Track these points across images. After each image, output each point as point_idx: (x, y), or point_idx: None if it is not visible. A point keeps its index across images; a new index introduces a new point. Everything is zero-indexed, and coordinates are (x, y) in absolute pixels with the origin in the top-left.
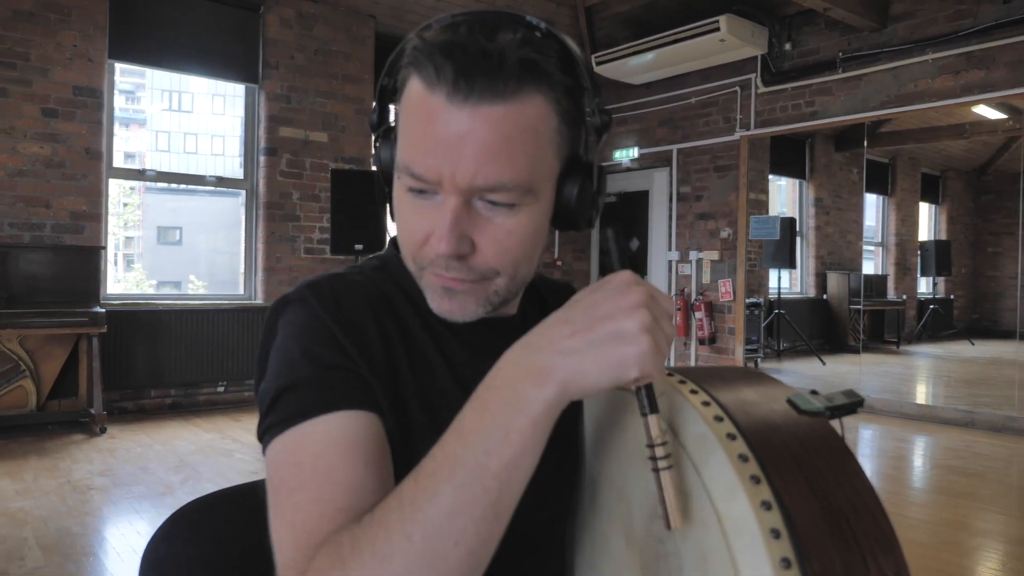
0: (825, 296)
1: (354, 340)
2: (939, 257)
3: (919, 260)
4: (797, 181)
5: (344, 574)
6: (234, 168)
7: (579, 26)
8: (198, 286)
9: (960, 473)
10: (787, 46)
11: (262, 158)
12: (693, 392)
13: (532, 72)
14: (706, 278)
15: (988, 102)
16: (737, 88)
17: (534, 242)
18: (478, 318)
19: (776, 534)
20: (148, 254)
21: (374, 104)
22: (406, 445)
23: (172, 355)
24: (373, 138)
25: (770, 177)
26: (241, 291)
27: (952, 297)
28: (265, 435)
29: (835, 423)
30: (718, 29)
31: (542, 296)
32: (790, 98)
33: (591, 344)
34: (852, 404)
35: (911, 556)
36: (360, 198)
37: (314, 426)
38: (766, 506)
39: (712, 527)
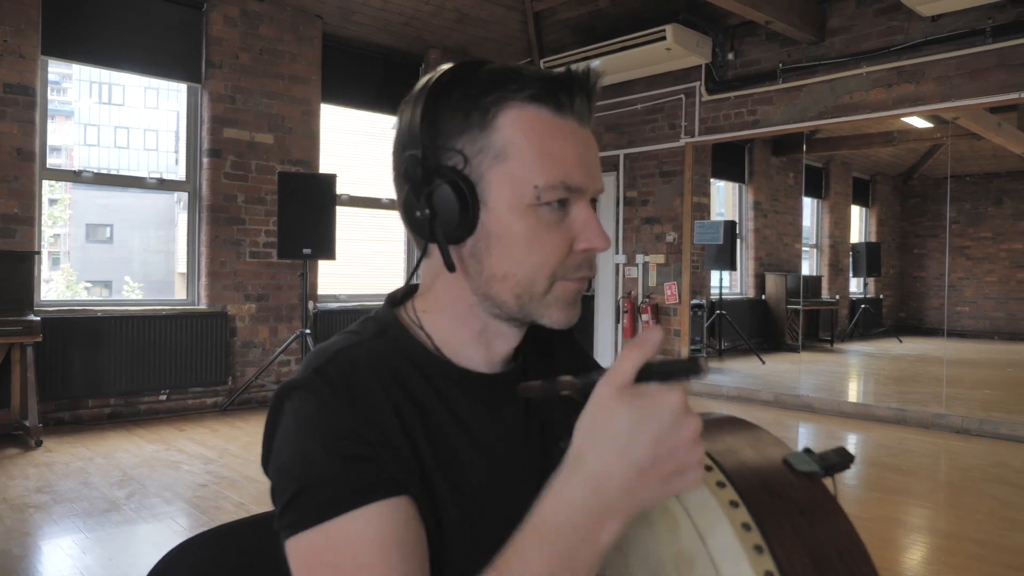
0: (763, 296)
1: (372, 425)
2: (869, 258)
3: (851, 261)
4: (736, 185)
5: None
6: (169, 165)
7: (528, 31)
8: (133, 287)
9: (893, 470)
10: (730, 56)
11: (205, 160)
12: None
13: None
14: (652, 281)
15: (918, 114)
16: (682, 96)
17: None
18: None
19: None
20: (76, 252)
21: (419, 153)
22: (433, 517)
23: (111, 363)
24: (437, 182)
25: (711, 180)
26: (183, 296)
27: (881, 297)
28: (287, 528)
29: (827, 480)
30: (664, 38)
31: (544, 339)
32: (733, 107)
33: (658, 482)
34: (844, 462)
35: None
36: (307, 201)
37: (345, 523)
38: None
39: None
